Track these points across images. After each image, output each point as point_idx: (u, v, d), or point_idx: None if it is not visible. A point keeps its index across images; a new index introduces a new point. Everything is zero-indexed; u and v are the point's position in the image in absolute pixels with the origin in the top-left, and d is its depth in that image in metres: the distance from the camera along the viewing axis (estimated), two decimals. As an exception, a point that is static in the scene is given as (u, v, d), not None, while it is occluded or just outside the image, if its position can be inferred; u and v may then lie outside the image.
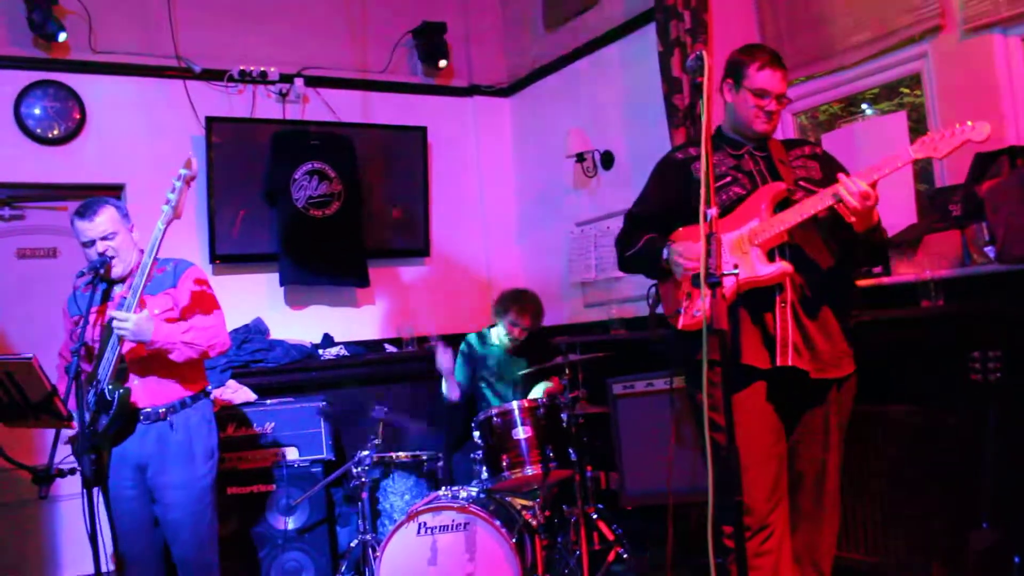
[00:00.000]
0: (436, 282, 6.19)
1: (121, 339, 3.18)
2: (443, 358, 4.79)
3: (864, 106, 4.89)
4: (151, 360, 3.32)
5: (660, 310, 3.04)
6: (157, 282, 3.41)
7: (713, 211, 2.12)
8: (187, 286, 3.47)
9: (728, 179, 2.94)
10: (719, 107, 3.07)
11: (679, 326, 2.92)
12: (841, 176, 2.67)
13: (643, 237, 3.07)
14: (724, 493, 2.25)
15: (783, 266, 2.77)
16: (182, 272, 3.50)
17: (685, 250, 2.89)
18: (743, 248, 2.82)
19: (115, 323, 3.15)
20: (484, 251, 6.40)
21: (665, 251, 2.96)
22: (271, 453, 4.61)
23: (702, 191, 2.14)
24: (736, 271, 2.29)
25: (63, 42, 5.06)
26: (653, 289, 3.11)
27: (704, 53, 2.25)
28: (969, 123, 2.53)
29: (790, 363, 2.77)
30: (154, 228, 3.24)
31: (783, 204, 2.84)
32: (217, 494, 3.55)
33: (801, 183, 2.91)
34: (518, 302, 4.82)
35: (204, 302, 3.51)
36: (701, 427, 2.66)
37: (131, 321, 3.14)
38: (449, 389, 4.81)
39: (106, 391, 3.19)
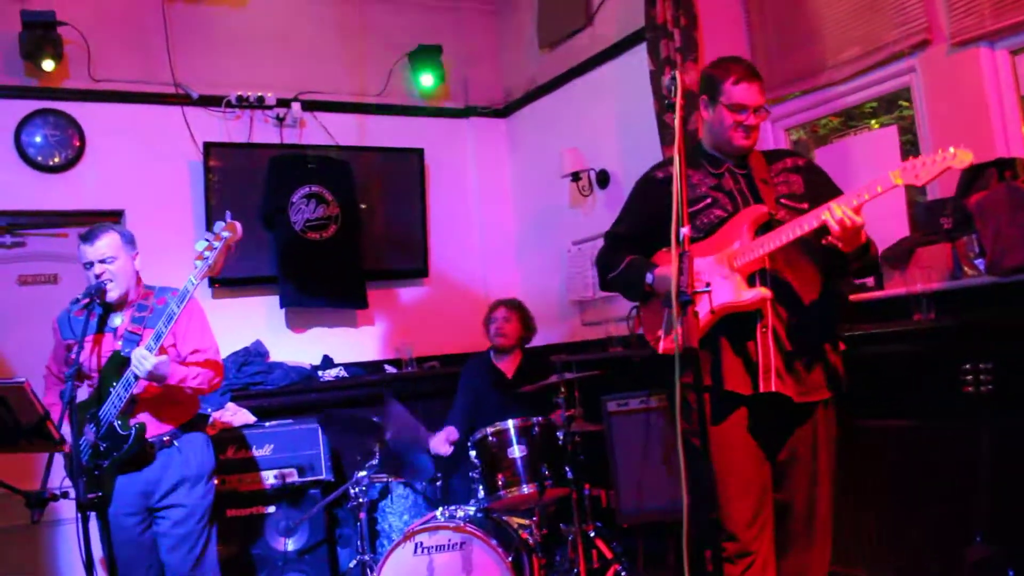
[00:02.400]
0: (435, 302, 6.21)
1: (138, 378, 3.24)
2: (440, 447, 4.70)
3: (865, 121, 4.90)
4: (157, 394, 3.38)
5: (640, 332, 3.02)
6: (158, 314, 3.44)
7: (685, 230, 2.12)
8: (187, 320, 3.51)
9: (708, 200, 2.90)
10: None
11: (660, 350, 2.84)
12: (831, 204, 2.63)
13: (625, 259, 3.02)
14: (703, 515, 2.24)
15: (762, 292, 2.73)
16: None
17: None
18: (722, 272, 2.78)
19: (136, 365, 3.21)
20: (482, 271, 6.43)
21: (649, 276, 2.91)
22: (270, 475, 4.63)
23: (674, 209, 2.15)
24: (708, 288, 2.29)
25: (62, 71, 5.13)
26: (634, 311, 3.09)
27: (678, 73, 2.26)
28: (951, 150, 2.49)
29: (773, 389, 2.74)
30: (185, 281, 3.28)
31: (765, 227, 2.80)
32: (216, 516, 3.59)
33: (783, 200, 2.88)
34: (499, 301, 5.10)
35: (204, 340, 3.58)
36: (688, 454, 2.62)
37: (151, 363, 3.21)
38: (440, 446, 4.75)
39: (117, 425, 3.27)
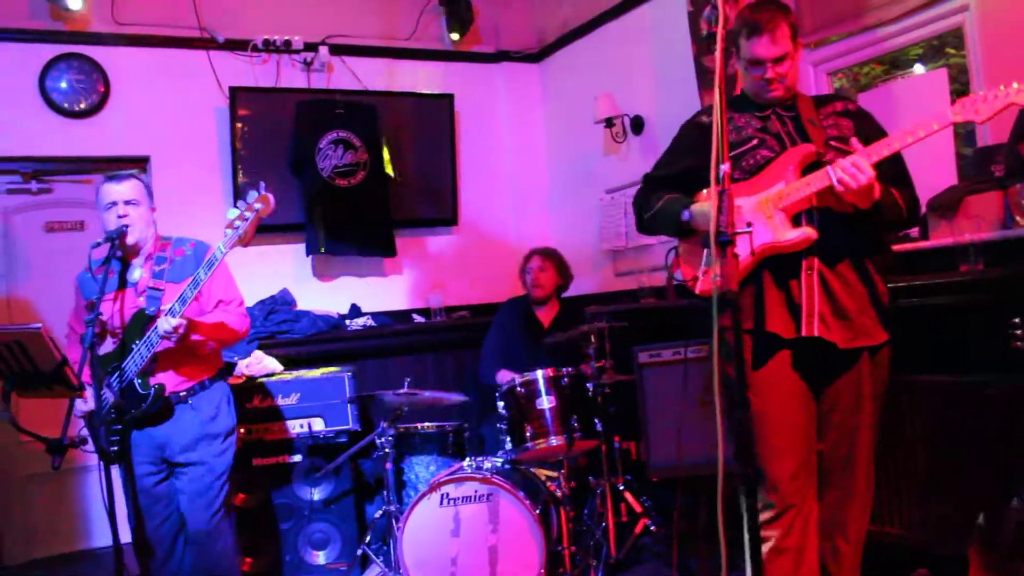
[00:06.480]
0: (464, 251, 6.12)
1: (163, 338, 3.21)
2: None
3: (917, 66, 4.68)
4: (176, 350, 3.34)
5: (680, 276, 2.93)
6: (178, 267, 3.42)
7: (725, 167, 1.99)
8: (211, 275, 3.45)
9: (755, 141, 2.80)
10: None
11: (697, 291, 2.80)
12: (839, 160, 2.53)
13: (662, 197, 2.94)
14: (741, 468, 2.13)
15: (807, 232, 2.63)
16: (203, 259, 3.47)
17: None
18: (768, 212, 2.68)
19: (164, 331, 3.17)
20: (513, 219, 6.32)
21: (686, 213, 2.82)
22: (297, 424, 4.60)
23: (714, 145, 2.02)
24: (749, 229, 2.16)
25: (86, 14, 5.06)
26: (672, 255, 2.98)
27: (720, 2, 2.12)
28: (1015, 85, 2.34)
29: (816, 333, 2.65)
30: (214, 248, 3.23)
31: (813, 167, 2.68)
32: (237, 471, 3.60)
33: (832, 143, 2.74)
34: (533, 251, 5.06)
35: (229, 292, 3.54)
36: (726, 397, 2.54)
37: (182, 328, 3.19)
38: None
39: (137, 384, 3.26)
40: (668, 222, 2.92)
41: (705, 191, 2.87)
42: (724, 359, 2.74)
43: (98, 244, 3.32)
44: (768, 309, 2.70)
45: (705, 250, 2.78)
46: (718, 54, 1.95)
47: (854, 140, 2.59)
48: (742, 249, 2.60)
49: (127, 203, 3.37)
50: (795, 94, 2.86)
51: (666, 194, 2.95)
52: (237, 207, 3.18)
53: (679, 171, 2.97)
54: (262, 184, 3.22)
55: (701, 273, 2.80)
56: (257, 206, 3.15)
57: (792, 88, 2.84)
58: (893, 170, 2.70)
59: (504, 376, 4.71)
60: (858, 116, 2.86)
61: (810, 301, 2.66)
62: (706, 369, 3.03)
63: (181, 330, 3.18)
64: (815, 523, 2.77)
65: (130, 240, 3.36)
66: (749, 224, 2.32)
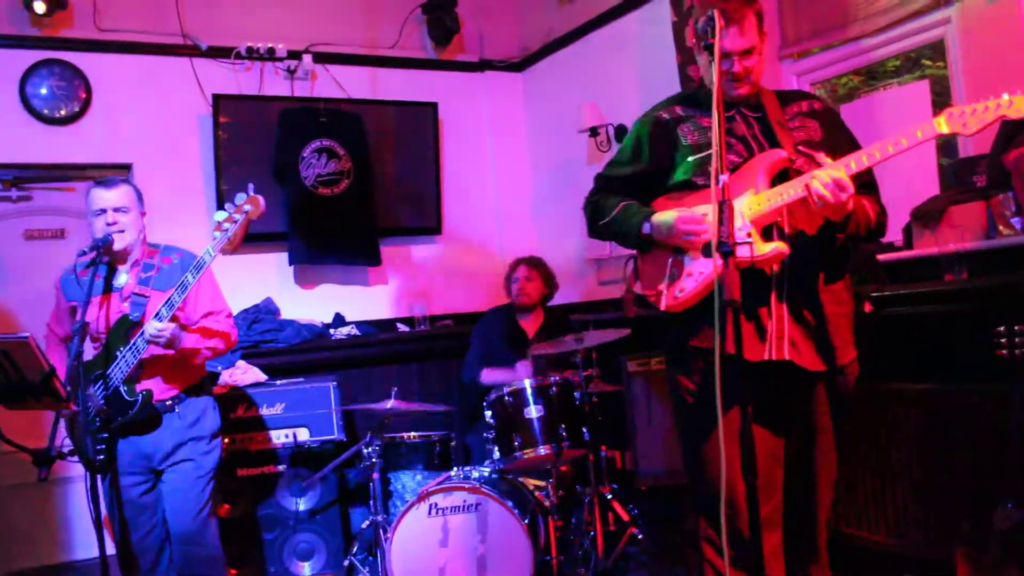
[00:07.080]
0: (448, 260, 6.12)
1: (150, 342, 3.17)
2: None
3: (888, 80, 4.73)
4: (163, 358, 3.31)
5: (639, 290, 2.75)
6: (165, 275, 3.38)
7: (725, 177, 1.97)
8: (196, 284, 3.41)
9: None
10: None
11: (661, 307, 2.65)
12: (817, 172, 2.39)
13: (618, 204, 2.76)
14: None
15: (778, 247, 2.45)
16: (190, 267, 3.44)
17: (683, 219, 2.56)
18: (737, 224, 2.49)
19: (151, 335, 3.13)
20: (497, 228, 6.32)
21: (646, 224, 2.66)
22: (282, 434, 4.57)
23: (713, 155, 2.00)
24: (750, 239, 2.11)
25: (67, 20, 5.01)
26: (631, 265, 2.86)
27: (715, 12, 2.11)
28: (1006, 97, 2.18)
29: (786, 357, 2.52)
30: (202, 251, 3.18)
31: (782, 175, 2.53)
32: (221, 477, 3.57)
33: (801, 148, 2.59)
34: (519, 260, 5.03)
35: (216, 302, 3.52)
36: (679, 414, 2.46)
37: (169, 331, 3.16)
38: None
39: (123, 391, 3.21)
40: (625, 233, 2.76)
41: (663, 198, 2.74)
42: (682, 375, 2.72)
43: (84, 253, 3.29)
44: (731, 330, 2.49)
45: (669, 262, 2.66)
46: (716, 65, 1.95)
47: (821, 156, 2.47)
48: (706, 266, 2.49)
49: (116, 210, 3.33)
50: (759, 91, 2.71)
51: (621, 199, 2.79)
52: (225, 209, 3.13)
53: (635, 172, 2.82)
54: (251, 186, 3.16)
55: (664, 288, 2.66)
56: (247, 208, 3.11)
57: (757, 84, 2.68)
58: (863, 175, 2.56)
59: (489, 375, 4.71)
60: (825, 116, 2.73)
61: (779, 322, 2.53)
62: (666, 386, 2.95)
63: (168, 333, 3.14)
64: (780, 545, 2.69)
65: (118, 246, 3.32)
66: (749, 235, 2.25)
